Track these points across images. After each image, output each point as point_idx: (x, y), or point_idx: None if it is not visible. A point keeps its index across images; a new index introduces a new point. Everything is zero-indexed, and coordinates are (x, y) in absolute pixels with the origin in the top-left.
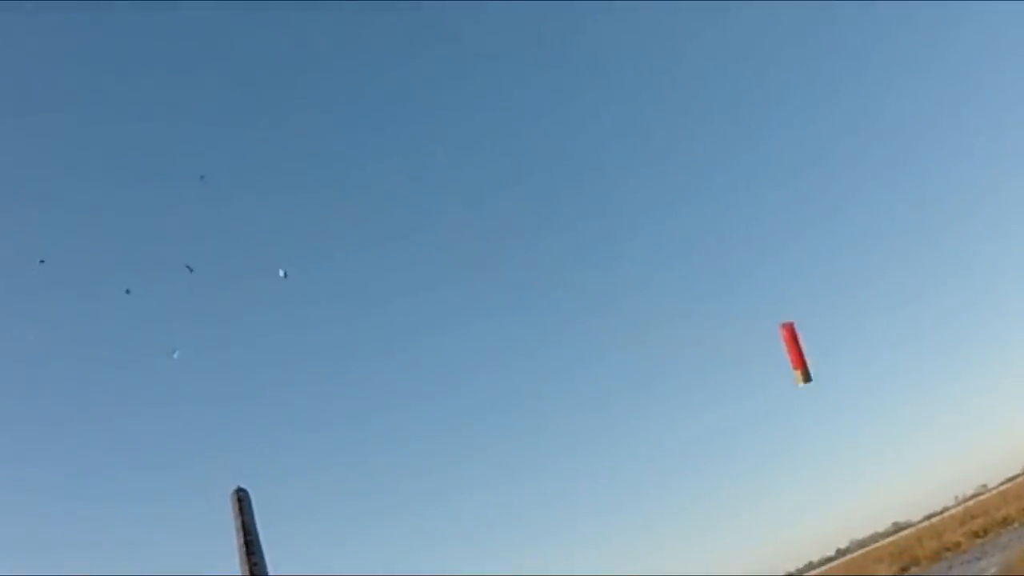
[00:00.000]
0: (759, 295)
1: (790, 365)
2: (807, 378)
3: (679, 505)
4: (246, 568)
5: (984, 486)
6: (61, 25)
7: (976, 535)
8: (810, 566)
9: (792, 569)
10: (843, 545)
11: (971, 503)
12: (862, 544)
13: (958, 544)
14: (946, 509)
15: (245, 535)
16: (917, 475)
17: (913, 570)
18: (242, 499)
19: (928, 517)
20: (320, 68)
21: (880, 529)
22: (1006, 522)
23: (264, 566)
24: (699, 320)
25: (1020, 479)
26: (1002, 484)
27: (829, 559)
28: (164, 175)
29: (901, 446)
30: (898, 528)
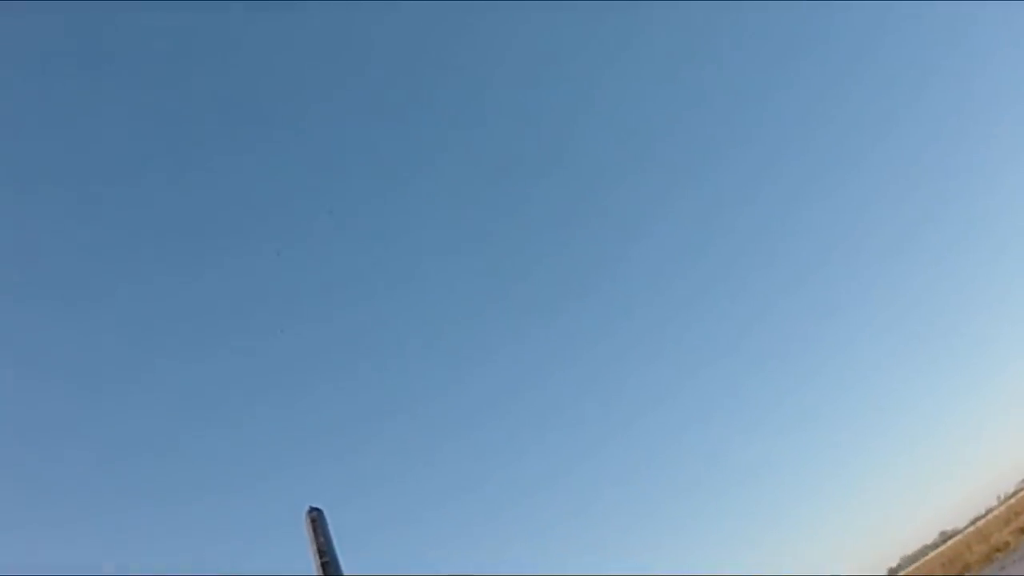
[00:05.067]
0: None
1: None
2: None
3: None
4: None
5: None
6: None
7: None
8: None
9: None
10: (893, 564)
11: (1014, 500)
12: (912, 559)
13: (1007, 544)
14: (990, 510)
15: (321, 556)
16: (957, 481)
17: None
18: (316, 519)
19: (974, 521)
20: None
21: (928, 541)
22: None
23: None
24: None
25: None
26: None
27: None
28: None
29: (938, 454)
30: (946, 537)
